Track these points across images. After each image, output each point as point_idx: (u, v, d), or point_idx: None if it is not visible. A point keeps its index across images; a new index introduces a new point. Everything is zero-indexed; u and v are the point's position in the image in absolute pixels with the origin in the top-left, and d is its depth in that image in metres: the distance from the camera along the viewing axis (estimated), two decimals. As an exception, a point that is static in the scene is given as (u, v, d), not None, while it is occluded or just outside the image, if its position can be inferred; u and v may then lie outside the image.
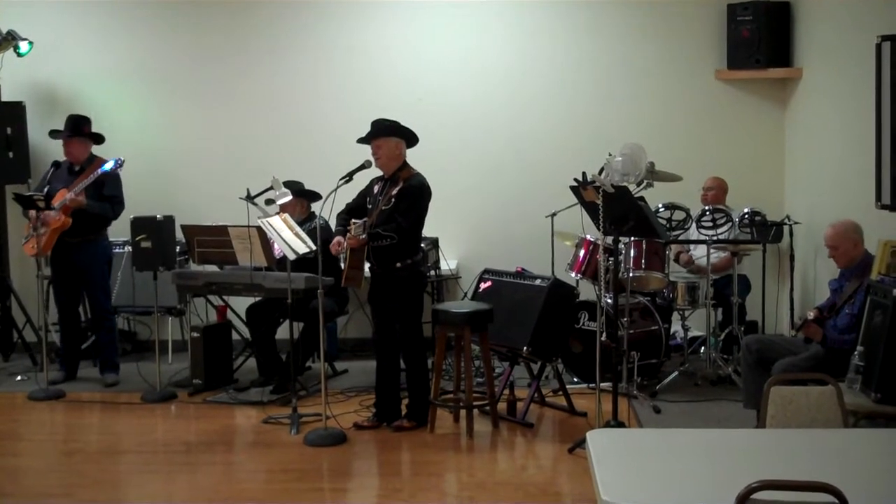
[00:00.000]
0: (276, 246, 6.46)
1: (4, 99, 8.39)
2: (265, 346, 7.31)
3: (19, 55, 8.21)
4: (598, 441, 3.25)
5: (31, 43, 8.21)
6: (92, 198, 7.21)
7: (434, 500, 5.11)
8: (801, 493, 2.53)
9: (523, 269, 6.91)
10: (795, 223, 7.36)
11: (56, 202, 7.12)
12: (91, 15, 8.56)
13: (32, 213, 7.10)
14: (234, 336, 7.69)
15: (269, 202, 6.62)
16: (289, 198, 6.52)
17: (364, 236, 5.92)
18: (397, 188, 6.09)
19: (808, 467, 2.97)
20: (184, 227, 7.06)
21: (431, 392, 6.19)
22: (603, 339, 5.70)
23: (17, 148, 8.21)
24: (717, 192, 7.62)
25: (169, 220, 7.07)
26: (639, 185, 6.06)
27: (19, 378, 7.71)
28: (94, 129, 7.55)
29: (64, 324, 7.63)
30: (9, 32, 8.09)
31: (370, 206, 6.19)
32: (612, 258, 5.96)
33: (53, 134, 7.50)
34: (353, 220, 6.00)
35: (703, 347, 7.43)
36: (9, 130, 8.16)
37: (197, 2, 8.53)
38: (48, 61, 8.43)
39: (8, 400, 7.21)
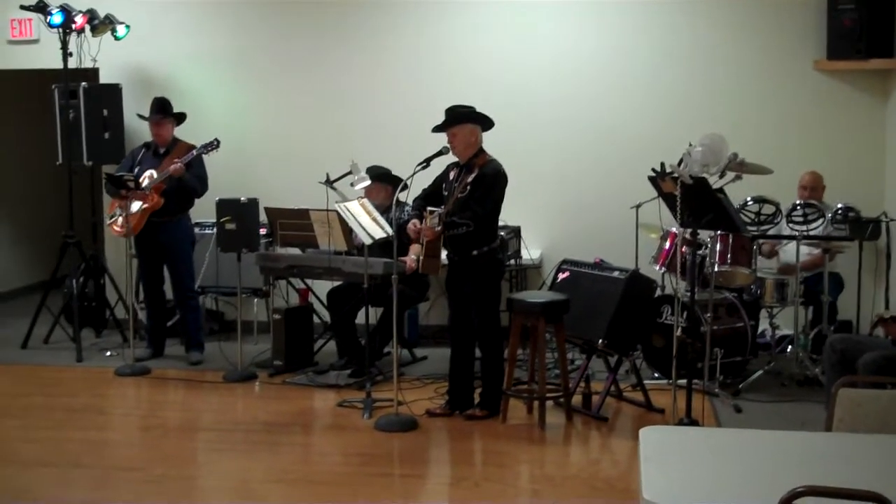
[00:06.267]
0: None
1: (102, 81, 8.61)
2: (345, 330, 7.36)
3: (116, 39, 8.40)
4: (650, 438, 3.16)
5: (128, 27, 8.41)
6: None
7: (499, 491, 5.07)
8: (849, 502, 2.41)
9: (602, 261, 6.80)
10: (892, 220, 7.06)
11: (143, 183, 7.29)
12: (186, 1, 8.72)
13: (124, 193, 7.27)
14: (316, 319, 7.75)
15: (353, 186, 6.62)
16: (367, 182, 6.50)
17: (440, 227, 5.88)
18: (472, 175, 6.03)
19: (866, 475, 2.83)
20: (267, 210, 7.12)
21: (505, 382, 6.14)
22: (678, 334, 5.56)
23: (112, 129, 8.41)
24: (816, 191, 7.32)
25: (253, 203, 7.17)
26: (721, 176, 5.87)
27: (109, 354, 7.92)
28: (186, 111, 7.74)
29: (149, 302, 7.79)
30: (107, 16, 8.29)
31: (446, 193, 6.15)
32: (693, 252, 5.79)
33: (144, 117, 7.68)
34: (429, 208, 5.97)
35: (790, 346, 7.19)
36: (105, 112, 8.37)
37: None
38: (144, 45, 8.60)
39: (97, 375, 7.41)
